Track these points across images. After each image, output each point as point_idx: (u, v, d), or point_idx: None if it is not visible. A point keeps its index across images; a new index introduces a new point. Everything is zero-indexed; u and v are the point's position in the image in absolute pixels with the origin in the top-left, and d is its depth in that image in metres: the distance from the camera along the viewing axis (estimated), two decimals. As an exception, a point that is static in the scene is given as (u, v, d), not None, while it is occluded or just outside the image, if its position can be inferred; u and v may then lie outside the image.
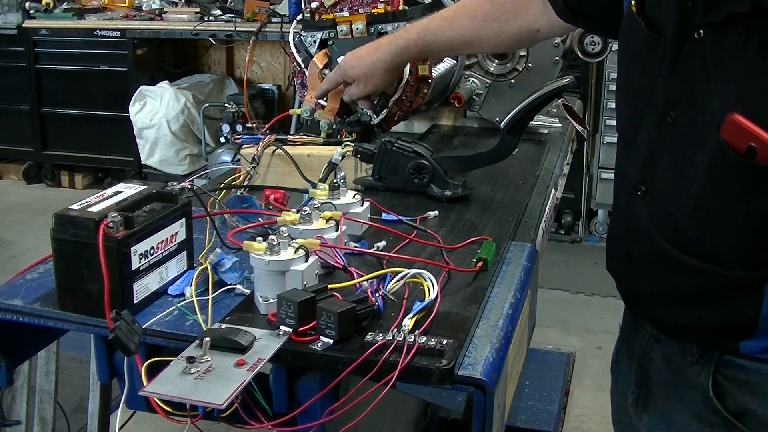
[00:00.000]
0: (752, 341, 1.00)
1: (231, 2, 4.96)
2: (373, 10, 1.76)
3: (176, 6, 5.17)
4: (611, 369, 1.34)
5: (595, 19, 1.36)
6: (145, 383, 0.95)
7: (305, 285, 1.06)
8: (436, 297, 1.05)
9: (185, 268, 1.19)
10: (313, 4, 1.79)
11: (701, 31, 0.95)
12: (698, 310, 1.04)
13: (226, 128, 4.70)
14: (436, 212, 1.43)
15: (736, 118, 0.89)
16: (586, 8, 1.33)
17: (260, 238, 1.09)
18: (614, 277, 1.19)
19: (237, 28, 4.72)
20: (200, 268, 1.15)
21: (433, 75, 1.80)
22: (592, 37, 2.10)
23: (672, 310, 1.07)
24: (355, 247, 1.24)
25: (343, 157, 1.55)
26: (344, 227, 1.22)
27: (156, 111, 4.78)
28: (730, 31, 0.92)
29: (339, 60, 1.78)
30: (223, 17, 4.84)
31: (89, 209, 1.07)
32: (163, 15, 5.03)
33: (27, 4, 5.19)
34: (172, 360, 0.95)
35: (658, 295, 1.09)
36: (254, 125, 1.94)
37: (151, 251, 1.10)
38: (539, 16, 1.41)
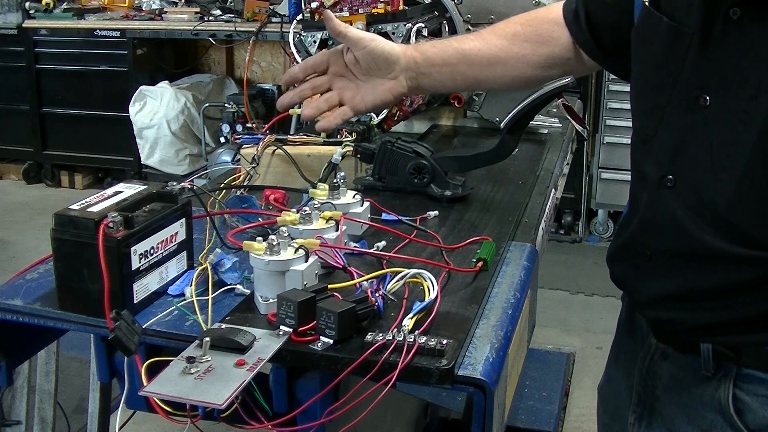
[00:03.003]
0: None
1: (231, 2, 4.96)
2: (373, 10, 1.76)
3: (176, 6, 5.17)
4: (599, 387, 1.31)
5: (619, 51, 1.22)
6: (145, 383, 0.95)
7: (305, 285, 1.06)
8: (436, 297, 1.05)
9: (185, 268, 1.19)
10: (313, 4, 1.79)
11: (737, 10, 0.93)
12: (727, 304, 1.00)
13: (226, 128, 4.70)
14: (436, 212, 1.43)
15: None
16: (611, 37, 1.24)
17: (260, 238, 1.09)
18: (623, 284, 1.16)
19: (237, 28, 4.72)
20: (200, 268, 1.15)
21: (433, 75, 1.80)
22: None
23: (696, 308, 1.03)
24: (355, 247, 1.24)
25: (343, 157, 1.55)
26: (344, 227, 1.22)
27: (156, 111, 4.78)
28: None
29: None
30: (223, 17, 4.84)
31: (89, 209, 1.07)
32: (163, 15, 5.03)
33: (27, 4, 5.19)
34: (172, 360, 0.95)
35: (680, 294, 1.05)
36: (254, 125, 1.95)
37: (151, 251, 1.10)
38: (570, 46, 1.32)
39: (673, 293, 1.06)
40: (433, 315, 1.03)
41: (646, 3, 1.07)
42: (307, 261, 1.08)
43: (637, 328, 1.20)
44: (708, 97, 0.98)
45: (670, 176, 1.03)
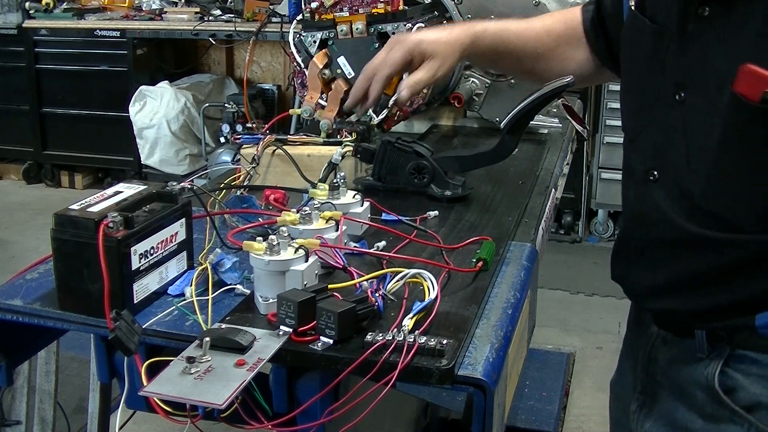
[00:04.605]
0: None
1: (231, 2, 4.96)
2: (373, 10, 1.76)
3: (176, 6, 5.17)
4: (611, 382, 1.33)
5: None
6: (145, 383, 0.95)
7: (305, 285, 1.06)
8: (436, 297, 1.05)
9: (185, 268, 1.19)
10: (313, 4, 1.79)
11: (706, 8, 0.97)
12: (717, 288, 1.03)
13: (226, 128, 4.70)
14: (436, 212, 1.43)
15: (749, 67, 0.90)
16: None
17: (260, 238, 1.09)
18: (622, 281, 1.18)
19: (237, 28, 4.72)
20: (200, 268, 1.15)
21: (433, 75, 1.80)
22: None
23: (688, 295, 1.06)
24: (355, 247, 1.24)
25: (343, 157, 1.55)
26: (344, 227, 1.22)
27: (156, 111, 4.78)
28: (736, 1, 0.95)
29: (339, 60, 1.78)
30: (223, 17, 4.84)
31: (89, 209, 1.07)
32: (163, 15, 5.03)
33: (27, 4, 5.19)
34: (172, 360, 0.95)
35: (673, 283, 1.08)
36: (254, 125, 1.94)
37: (151, 251, 1.10)
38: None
39: (666, 283, 1.09)
40: (433, 315, 1.03)
41: (632, 7, 1.10)
42: (307, 261, 1.08)
43: (642, 321, 1.21)
44: (683, 93, 1.02)
45: (654, 171, 1.07)
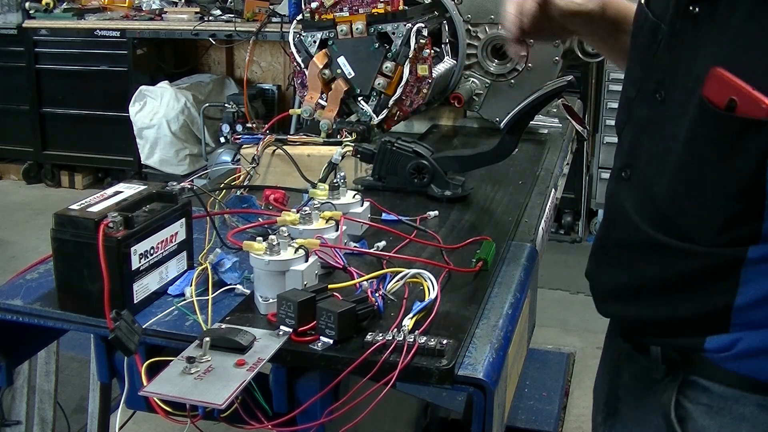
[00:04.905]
0: (720, 337, 0.97)
1: (231, 2, 4.96)
2: (373, 10, 1.76)
3: (176, 6, 5.17)
4: (593, 389, 1.32)
5: None
6: (145, 383, 0.95)
7: (305, 285, 1.06)
8: (436, 297, 1.05)
9: (185, 268, 1.19)
10: (313, 4, 1.79)
11: (697, 7, 0.95)
12: (669, 299, 1.01)
13: (226, 128, 4.70)
14: (436, 212, 1.43)
15: (718, 71, 0.89)
16: None
17: (260, 238, 1.09)
18: (591, 279, 1.17)
19: (237, 28, 4.72)
20: (200, 268, 1.15)
21: (433, 75, 1.81)
22: (592, 37, 2.10)
23: (643, 303, 1.04)
24: (355, 247, 1.24)
25: (343, 157, 1.55)
26: (344, 227, 1.22)
27: (156, 111, 4.78)
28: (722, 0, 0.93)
29: (339, 60, 1.78)
30: (223, 17, 4.84)
31: (89, 209, 1.07)
32: (163, 15, 5.03)
33: (27, 4, 5.19)
34: (172, 360, 0.95)
35: (630, 287, 1.06)
36: (254, 125, 1.95)
37: (151, 251, 1.10)
38: None
39: (622, 287, 1.08)
40: (433, 315, 1.03)
41: (642, 1, 1.08)
42: (307, 261, 1.08)
43: (614, 330, 1.21)
44: (663, 93, 1.00)
45: (627, 169, 1.06)
